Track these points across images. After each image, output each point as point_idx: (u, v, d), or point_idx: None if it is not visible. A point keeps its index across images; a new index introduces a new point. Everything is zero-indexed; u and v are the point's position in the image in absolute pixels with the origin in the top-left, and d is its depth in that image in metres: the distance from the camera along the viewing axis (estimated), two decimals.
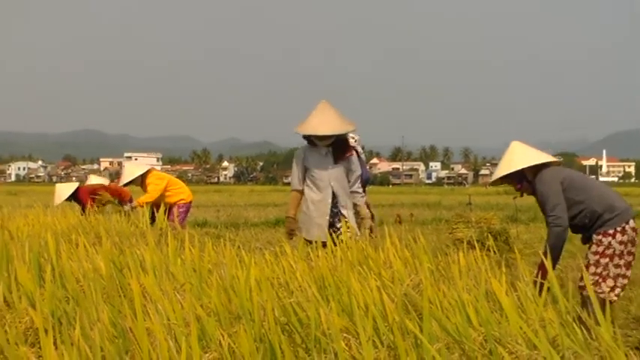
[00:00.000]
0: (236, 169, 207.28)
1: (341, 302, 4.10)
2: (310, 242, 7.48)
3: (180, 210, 11.17)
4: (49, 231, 8.05)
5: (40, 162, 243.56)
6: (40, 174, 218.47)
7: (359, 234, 7.35)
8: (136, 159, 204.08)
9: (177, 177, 13.15)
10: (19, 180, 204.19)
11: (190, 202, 11.51)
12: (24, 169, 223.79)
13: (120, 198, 12.57)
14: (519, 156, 5.80)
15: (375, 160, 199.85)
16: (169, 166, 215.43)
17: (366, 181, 13.12)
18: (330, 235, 7.18)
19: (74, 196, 12.57)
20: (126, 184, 11.48)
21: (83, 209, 11.70)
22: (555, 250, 5.48)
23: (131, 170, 11.50)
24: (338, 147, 7.73)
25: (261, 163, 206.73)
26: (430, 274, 4.78)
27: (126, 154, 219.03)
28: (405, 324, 3.43)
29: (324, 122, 7.52)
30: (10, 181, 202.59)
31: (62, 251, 5.87)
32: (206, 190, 66.66)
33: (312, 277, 4.83)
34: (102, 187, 13.21)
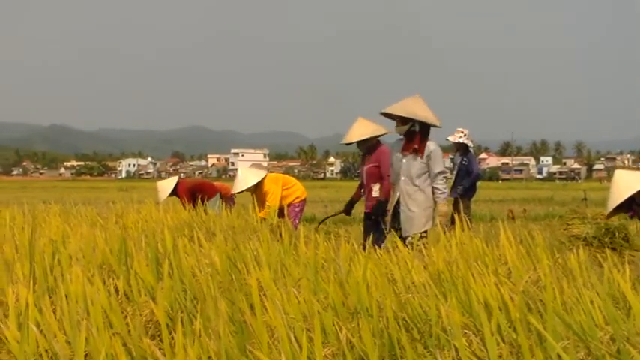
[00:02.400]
0: (343, 164, 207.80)
1: (459, 298, 4.07)
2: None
3: (296, 209, 10.69)
4: (162, 226, 8.24)
5: (149, 159, 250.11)
6: (150, 170, 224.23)
7: (413, 234, 7.39)
8: (242, 155, 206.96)
9: (284, 173, 12.80)
10: (129, 176, 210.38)
11: (305, 200, 10.95)
12: (134, 165, 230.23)
13: (222, 194, 12.69)
14: (623, 184, 5.78)
15: (483, 155, 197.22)
16: (275, 162, 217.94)
17: (477, 177, 13.01)
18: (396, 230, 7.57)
19: (175, 191, 12.69)
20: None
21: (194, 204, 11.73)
22: None
23: (246, 178, 10.72)
24: (409, 137, 7.80)
25: None
26: (549, 271, 4.69)
27: (233, 151, 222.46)
28: (527, 321, 3.38)
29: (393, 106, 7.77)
30: (120, 177, 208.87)
31: (178, 246, 6.00)
32: (313, 186, 67.13)
33: (428, 272, 4.82)
34: (202, 182, 13.37)
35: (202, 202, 11.38)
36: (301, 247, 5.73)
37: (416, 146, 7.71)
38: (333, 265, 5.12)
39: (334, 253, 5.73)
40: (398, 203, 7.88)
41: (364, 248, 6.39)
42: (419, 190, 7.73)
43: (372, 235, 8.09)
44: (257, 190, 10.57)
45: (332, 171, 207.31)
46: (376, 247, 6.43)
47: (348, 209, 9.80)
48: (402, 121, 7.69)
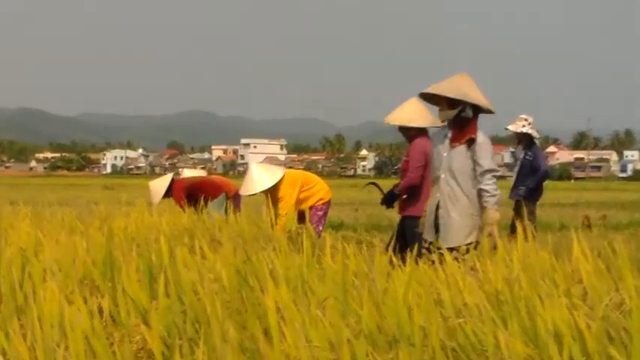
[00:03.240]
0: (377, 158, 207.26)
1: (521, 324, 4.06)
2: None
3: (319, 213, 10.67)
4: (157, 233, 8.31)
5: (140, 150, 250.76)
6: (141, 164, 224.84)
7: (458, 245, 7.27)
8: (254, 146, 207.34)
9: (305, 169, 12.76)
10: (116, 172, 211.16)
11: (329, 202, 10.95)
12: (122, 158, 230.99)
13: (227, 193, 12.69)
14: None
15: (552, 149, 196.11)
16: (295, 155, 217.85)
17: (544, 175, 12.94)
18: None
19: (169, 192, 12.71)
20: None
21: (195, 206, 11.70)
22: None
23: (262, 177, 10.75)
24: (457, 125, 7.63)
25: None
26: (635, 292, 4.67)
27: (242, 141, 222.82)
28: (608, 354, 3.37)
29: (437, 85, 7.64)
30: (105, 172, 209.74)
31: (177, 257, 6.02)
32: (340, 185, 67.09)
33: (483, 292, 4.81)
34: (202, 180, 13.39)
35: (205, 203, 11.41)
36: (327, 259, 5.74)
37: (473, 135, 7.48)
38: (366, 281, 5.13)
39: (367, 266, 5.73)
40: (438, 209, 7.73)
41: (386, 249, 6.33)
42: (462, 191, 7.56)
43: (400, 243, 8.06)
44: (272, 190, 10.60)
45: (364, 167, 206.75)
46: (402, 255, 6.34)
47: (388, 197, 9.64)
48: (449, 104, 7.48)
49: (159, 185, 12.88)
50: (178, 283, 5.39)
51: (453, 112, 7.50)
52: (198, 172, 14.83)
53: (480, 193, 7.47)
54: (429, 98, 7.77)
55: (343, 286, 5.12)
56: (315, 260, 6.13)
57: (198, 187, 12.70)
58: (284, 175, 10.69)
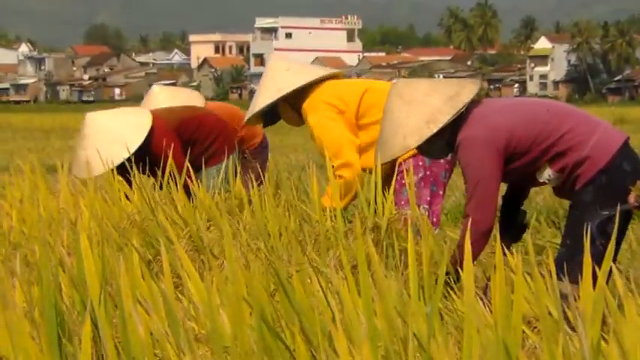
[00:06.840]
0: (574, 59, 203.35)
1: None
2: None
3: (420, 175, 9.95)
4: (71, 233, 8.43)
5: (24, 47, 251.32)
6: (26, 80, 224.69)
7: None
8: (288, 34, 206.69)
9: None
10: None
11: None
12: None
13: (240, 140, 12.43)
14: None
15: None
16: (384, 54, 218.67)
17: None
18: None
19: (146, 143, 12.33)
20: (269, 119, 11.00)
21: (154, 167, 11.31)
22: None
23: (274, 84, 10.61)
24: None
25: None
26: None
27: (259, 23, 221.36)
28: None
29: None
30: None
31: (120, 287, 5.67)
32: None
33: None
34: (195, 114, 13.03)
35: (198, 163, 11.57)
36: (467, 290, 5.24)
37: None
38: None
39: (573, 313, 5.40)
40: None
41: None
42: None
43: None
44: (290, 114, 10.70)
45: (544, 78, 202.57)
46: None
47: None
48: None
49: (127, 129, 12.31)
50: (126, 345, 5.17)
51: None
52: (170, 96, 13.75)
53: None
54: None
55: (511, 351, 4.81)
56: (437, 293, 5.78)
57: (193, 125, 12.38)
58: (319, 81, 10.50)
